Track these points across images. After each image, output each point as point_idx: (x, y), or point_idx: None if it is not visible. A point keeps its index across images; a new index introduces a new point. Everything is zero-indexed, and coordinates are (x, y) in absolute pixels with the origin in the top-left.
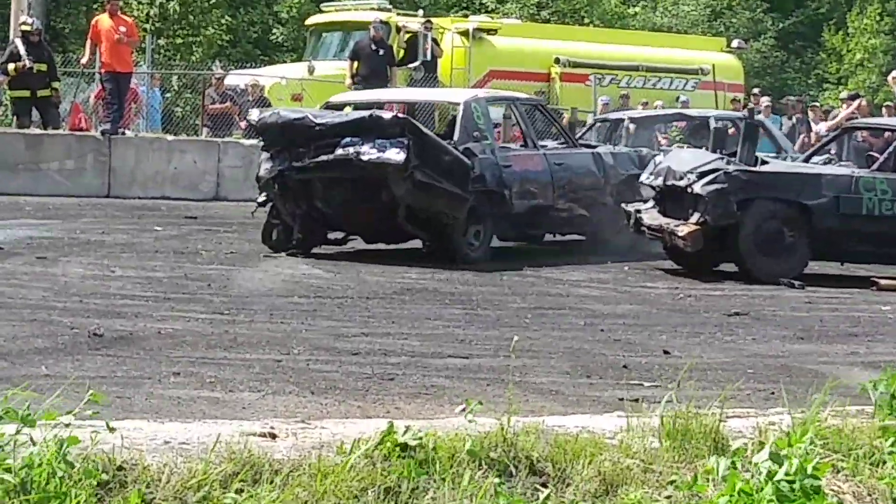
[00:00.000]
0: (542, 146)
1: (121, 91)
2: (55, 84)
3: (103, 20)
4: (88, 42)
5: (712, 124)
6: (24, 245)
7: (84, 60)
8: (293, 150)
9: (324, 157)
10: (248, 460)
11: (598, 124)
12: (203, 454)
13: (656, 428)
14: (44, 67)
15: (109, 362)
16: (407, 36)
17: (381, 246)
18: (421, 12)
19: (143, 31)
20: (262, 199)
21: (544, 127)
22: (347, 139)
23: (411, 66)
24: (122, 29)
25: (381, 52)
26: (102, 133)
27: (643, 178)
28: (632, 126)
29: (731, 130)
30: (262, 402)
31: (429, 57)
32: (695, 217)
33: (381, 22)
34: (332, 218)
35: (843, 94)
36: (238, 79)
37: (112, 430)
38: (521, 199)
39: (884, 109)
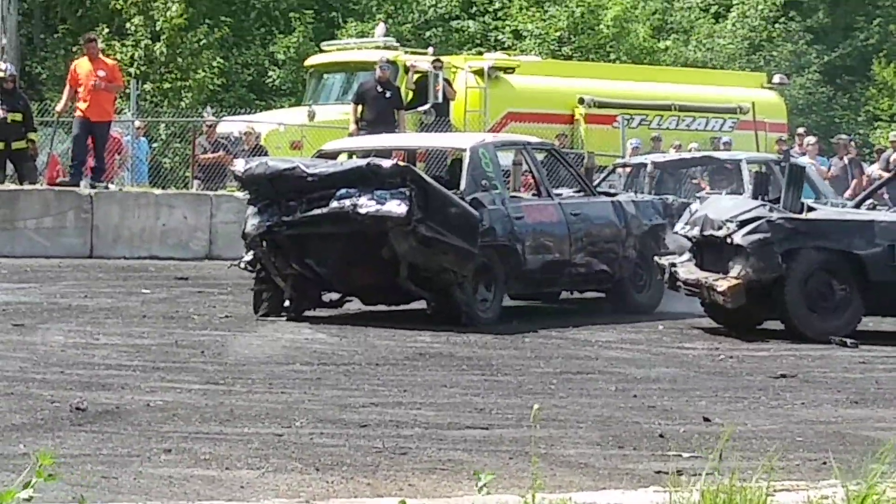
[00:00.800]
0: (557, 195)
1: (98, 141)
2: (32, 135)
3: (82, 64)
4: (67, 88)
5: (743, 167)
6: (0, 311)
7: (59, 108)
8: (283, 203)
9: (317, 211)
10: None
11: (619, 170)
12: None
13: (697, 503)
14: (19, 117)
15: (94, 439)
16: (416, 76)
17: (389, 307)
18: (431, 50)
19: (127, 75)
20: (249, 257)
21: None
22: (343, 190)
23: (421, 109)
24: (101, 73)
25: (388, 94)
26: (63, 183)
27: (678, 227)
28: (655, 171)
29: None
30: (262, 481)
31: (440, 99)
32: (736, 270)
33: (388, 61)
34: (326, 277)
35: (893, 135)
36: (231, 126)
37: None
38: (534, 253)
39: None
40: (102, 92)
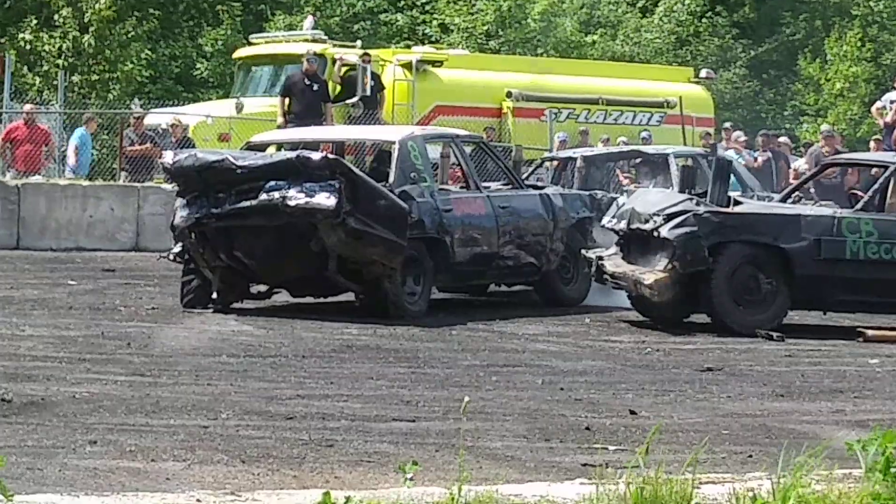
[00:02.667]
0: (486, 188)
1: None
2: None
3: None
4: None
5: (671, 161)
6: None
7: None
8: (212, 195)
9: (245, 203)
10: None
11: (547, 163)
12: None
13: (623, 496)
14: None
15: (19, 430)
16: (344, 69)
17: (316, 299)
18: (359, 43)
19: (55, 66)
20: (177, 249)
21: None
22: (272, 183)
23: (349, 101)
24: None
25: (316, 86)
26: None
27: (605, 221)
28: (583, 165)
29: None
30: (188, 473)
31: (368, 92)
32: (662, 264)
33: (315, 54)
34: (255, 270)
35: (824, 128)
36: (159, 118)
37: (10, 497)
38: (463, 246)
39: (872, 143)
40: None
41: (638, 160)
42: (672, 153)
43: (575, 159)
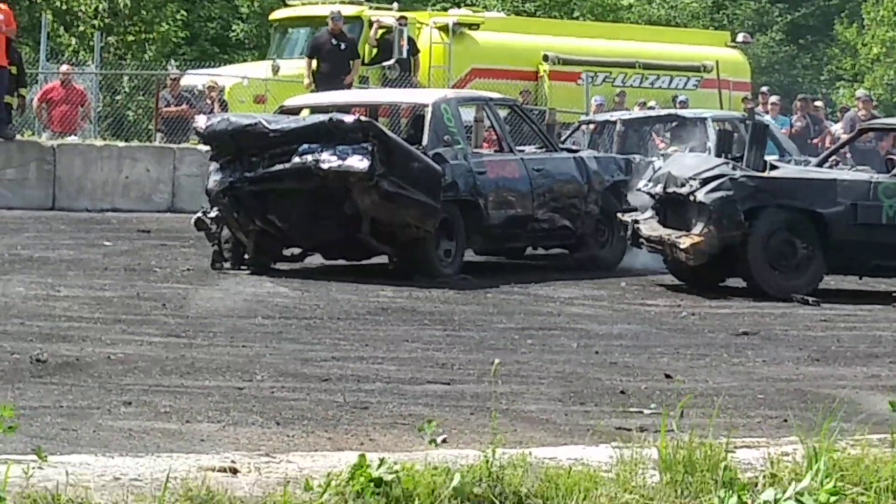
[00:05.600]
0: (520, 151)
1: None
2: (23, 91)
3: None
4: None
5: (709, 125)
6: None
7: None
8: (245, 159)
9: (279, 167)
10: (207, 498)
11: (584, 127)
12: (156, 491)
13: (657, 460)
14: (14, 70)
15: (54, 391)
16: (380, 32)
17: (349, 262)
18: (396, 6)
19: (91, 27)
20: (213, 213)
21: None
22: (305, 146)
23: (385, 64)
24: None
25: (343, 46)
26: None
27: (640, 184)
28: (622, 129)
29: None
30: (223, 434)
31: (404, 54)
32: (698, 228)
33: (340, 13)
34: (288, 233)
35: (860, 93)
36: (195, 79)
37: (44, 458)
38: (497, 209)
39: None
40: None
41: (675, 124)
42: (710, 117)
43: (613, 123)
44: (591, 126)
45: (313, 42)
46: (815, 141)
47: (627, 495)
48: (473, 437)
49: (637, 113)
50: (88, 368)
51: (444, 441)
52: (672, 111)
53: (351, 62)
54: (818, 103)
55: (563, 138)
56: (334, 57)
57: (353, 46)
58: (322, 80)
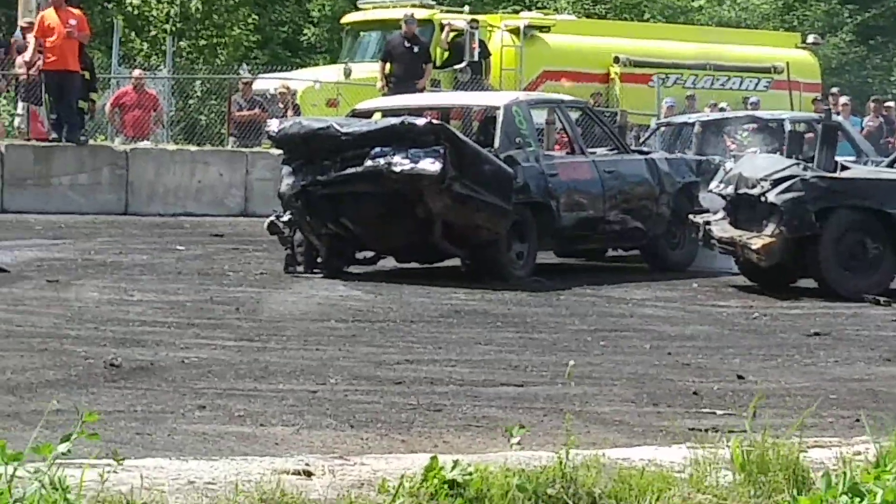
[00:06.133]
0: (591, 153)
1: (67, 93)
2: (93, 95)
3: (49, 15)
4: (33, 41)
5: (786, 127)
6: (34, 268)
7: (27, 58)
8: (317, 162)
9: (351, 170)
10: (281, 501)
11: (663, 129)
12: (231, 494)
13: (729, 460)
14: (87, 75)
15: (128, 395)
16: (451, 35)
17: (422, 265)
18: (467, 9)
19: (162, 31)
20: (286, 217)
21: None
22: (377, 149)
23: (457, 67)
24: (73, 22)
25: (416, 48)
26: (62, 139)
27: (712, 186)
28: (700, 130)
29: (808, 135)
30: (297, 437)
31: (476, 57)
32: (770, 229)
33: (413, 16)
34: (361, 236)
35: None
36: (267, 83)
37: (120, 461)
38: (568, 210)
39: None
40: (73, 41)
41: (753, 125)
42: (788, 118)
43: (691, 124)
44: (671, 128)
45: (387, 45)
46: (889, 141)
47: (700, 495)
48: (547, 439)
49: (715, 114)
50: (162, 372)
51: (517, 443)
52: (749, 113)
53: (424, 65)
54: (890, 104)
55: (641, 140)
56: (407, 60)
57: (425, 50)
58: (395, 84)
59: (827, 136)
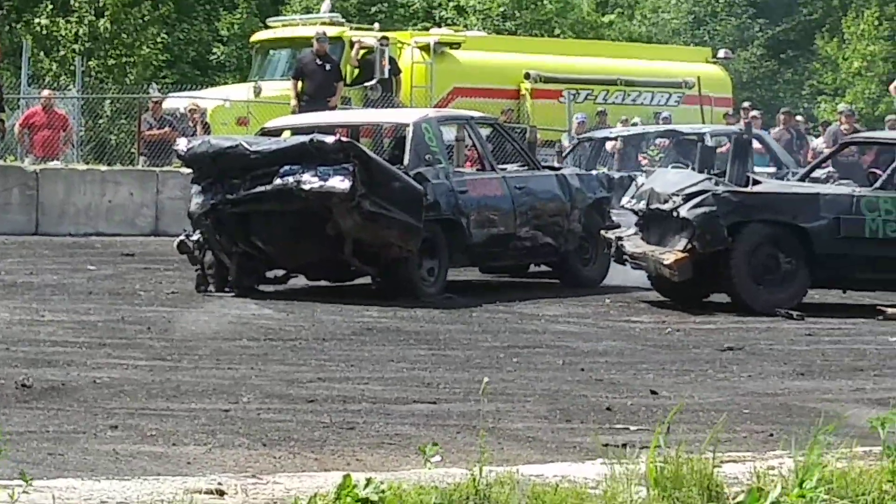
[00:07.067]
0: (502, 169)
1: None
2: (3, 115)
3: None
4: None
5: (707, 141)
6: None
7: None
8: (227, 181)
9: (260, 188)
10: None
11: (583, 144)
12: None
13: (643, 475)
14: None
15: (39, 416)
16: (361, 52)
17: (333, 283)
18: (377, 26)
19: (71, 51)
20: (196, 236)
21: (504, 148)
22: (286, 167)
23: (367, 84)
24: None
25: (328, 66)
26: None
27: (624, 201)
28: (622, 145)
29: (724, 147)
30: (209, 457)
31: (386, 74)
32: (682, 244)
33: (325, 34)
34: (271, 254)
35: (842, 107)
36: (177, 102)
37: (29, 482)
38: (479, 227)
39: (886, 122)
40: None
41: (673, 140)
42: (708, 132)
43: (613, 139)
44: (591, 143)
45: (298, 63)
46: (797, 154)
47: None
48: (460, 456)
49: (637, 129)
50: (74, 393)
51: (433, 460)
52: (671, 127)
53: (335, 83)
54: (799, 118)
55: (564, 155)
56: (319, 78)
57: (337, 67)
58: (307, 102)
59: (739, 150)
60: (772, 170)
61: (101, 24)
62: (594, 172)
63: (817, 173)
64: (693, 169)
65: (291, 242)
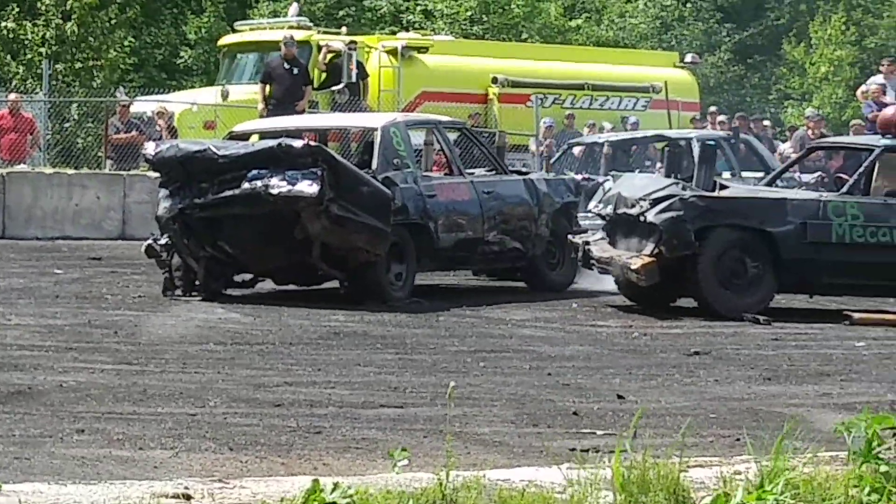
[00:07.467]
0: (470, 174)
1: None
2: None
3: None
4: None
5: (694, 146)
6: None
7: None
8: (195, 185)
9: (228, 193)
10: None
11: (574, 149)
12: None
13: (610, 480)
14: None
15: (5, 420)
16: (329, 56)
17: (300, 287)
18: (344, 30)
19: (38, 54)
20: (163, 240)
21: (473, 153)
22: (254, 172)
23: (334, 88)
24: None
25: (296, 70)
26: None
27: (591, 205)
28: (609, 150)
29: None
30: (176, 461)
31: (353, 78)
32: (649, 248)
33: (293, 38)
34: (238, 258)
35: (809, 111)
36: (144, 106)
37: None
38: (447, 231)
39: (851, 127)
40: None
41: (661, 144)
42: (695, 137)
43: (601, 144)
44: (581, 148)
45: (266, 67)
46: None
47: None
48: (427, 461)
49: (625, 134)
50: (40, 397)
51: (400, 464)
52: (658, 132)
53: (303, 87)
54: (766, 122)
55: (553, 160)
56: (287, 82)
57: (305, 71)
58: (275, 106)
59: (705, 155)
60: (760, 174)
61: (69, 28)
62: (562, 177)
63: (805, 178)
64: (659, 174)
65: (259, 246)
